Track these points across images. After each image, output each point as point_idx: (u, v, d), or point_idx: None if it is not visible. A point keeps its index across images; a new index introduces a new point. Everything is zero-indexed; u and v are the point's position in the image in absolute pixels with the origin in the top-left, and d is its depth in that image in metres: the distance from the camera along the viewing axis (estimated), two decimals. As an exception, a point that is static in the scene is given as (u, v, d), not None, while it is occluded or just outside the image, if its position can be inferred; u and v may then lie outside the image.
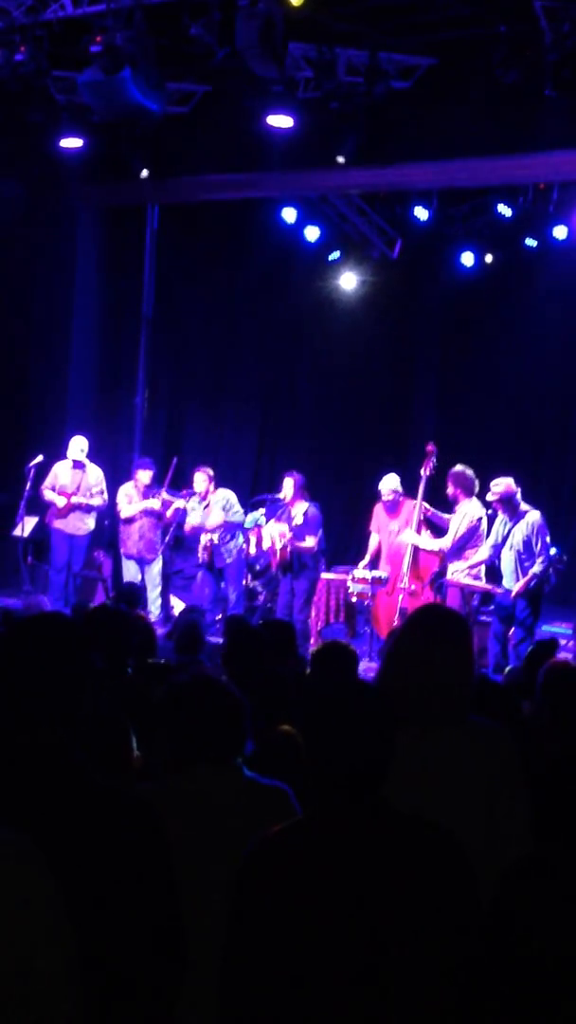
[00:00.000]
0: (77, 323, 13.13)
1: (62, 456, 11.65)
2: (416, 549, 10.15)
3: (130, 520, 11.47)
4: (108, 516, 12.04)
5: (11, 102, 10.07)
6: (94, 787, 2.48)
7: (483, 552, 9.78)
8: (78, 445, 11.53)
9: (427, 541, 10.16)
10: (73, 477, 11.47)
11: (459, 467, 10.13)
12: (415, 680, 3.02)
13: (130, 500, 11.49)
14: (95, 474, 11.58)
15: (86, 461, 11.53)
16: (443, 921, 2.37)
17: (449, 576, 9.91)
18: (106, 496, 11.57)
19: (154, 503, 11.37)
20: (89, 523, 11.57)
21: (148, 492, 11.44)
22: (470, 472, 10.08)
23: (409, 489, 10.70)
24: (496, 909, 2.42)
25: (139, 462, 11.85)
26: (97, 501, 11.52)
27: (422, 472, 10.32)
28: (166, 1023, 2.50)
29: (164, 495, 11.37)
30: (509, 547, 9.58)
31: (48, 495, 11.43)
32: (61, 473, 11.50)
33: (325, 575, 11.16)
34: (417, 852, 2.42)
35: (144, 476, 11.50)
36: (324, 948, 2.34)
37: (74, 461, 11.48)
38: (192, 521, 11.22)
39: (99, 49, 9.07)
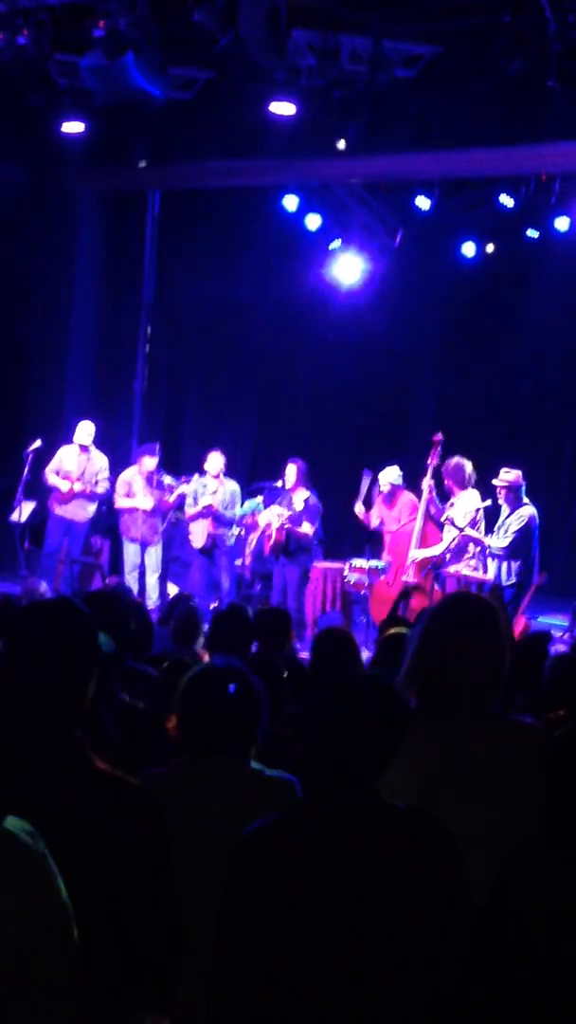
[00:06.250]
0: (77, 308, 13.11)
1: (63, 441, 11.60)
2: (420, 541, 10.10)
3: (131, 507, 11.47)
4: (107, 503, 12.01)
5: (13, 86, 10.04)
6: (96, 773, 2.50)
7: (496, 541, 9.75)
8: (85, 430, 11.47)
9: (423, 552, 10.05)
10: (79, 463, 11.41)
11: (454, 460, 10.10)
12: (444, 669, 2.97)
13: (130, 487, 11.45)
14: (100, 461, 11.52)
15: (92, 447, 11.48)
16: (432, 912, 2.37)
17: (451, 569, 9.89)
18: (108, 484, 11.53)
19: (145, 503, 11.30)
20: (90, 510, 11.53)
21: (151, 478, 11.41)
22: (461, 463, 10.05)
23: (410, 479, 10.70)
24: (495, 900, 2.42)
25: (144, 447, 11.76)
26: (101, 488, 11.46)
27: (428, 462, 10.28)
28: (165, 1009, 2.52)
29: (167, 480, 11.33)
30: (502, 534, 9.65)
31: (52, 479, 11.36)
32: (66, 458, 11.44)
33: (322, 563, 11.16)
34: (406, 845, 2.42)
35: (149, 463, 11.41)
36: (312, 939, 2.35)
37: (80, 446, 11.42)
38: (199, 504, 11.14)
39: (102, 33, 9.06)
